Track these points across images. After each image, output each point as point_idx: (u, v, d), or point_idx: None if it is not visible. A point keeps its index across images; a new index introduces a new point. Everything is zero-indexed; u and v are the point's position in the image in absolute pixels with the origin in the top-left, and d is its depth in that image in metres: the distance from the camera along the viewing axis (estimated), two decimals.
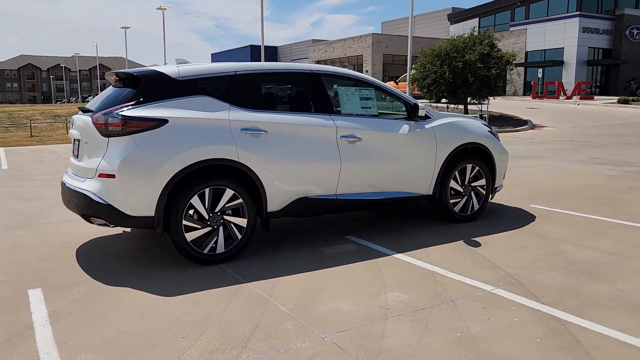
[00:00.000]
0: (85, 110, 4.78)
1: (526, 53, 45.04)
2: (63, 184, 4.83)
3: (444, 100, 24.00)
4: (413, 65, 24.34)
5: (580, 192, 7.89)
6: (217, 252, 4.67)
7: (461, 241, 5.35)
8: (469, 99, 23.18)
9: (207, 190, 4.55)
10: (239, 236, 4.75)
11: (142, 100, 4.49)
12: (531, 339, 3.24)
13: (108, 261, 4.82)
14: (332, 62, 52.28)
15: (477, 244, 5.25)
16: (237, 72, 4.90)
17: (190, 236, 4.53)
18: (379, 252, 5.01)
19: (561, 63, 42.37)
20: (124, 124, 4.32)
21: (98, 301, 3.90)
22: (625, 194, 7.76)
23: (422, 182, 5.75)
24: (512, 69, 25.90)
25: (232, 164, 4.62)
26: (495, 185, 6.38)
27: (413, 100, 5.74)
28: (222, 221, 4.66)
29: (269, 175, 4.79)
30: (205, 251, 4.62)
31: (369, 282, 4.23)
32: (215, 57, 73.85)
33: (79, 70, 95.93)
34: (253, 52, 65.25)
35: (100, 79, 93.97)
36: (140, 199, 4.35)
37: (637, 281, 4.18)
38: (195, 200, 4.51)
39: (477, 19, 49.45)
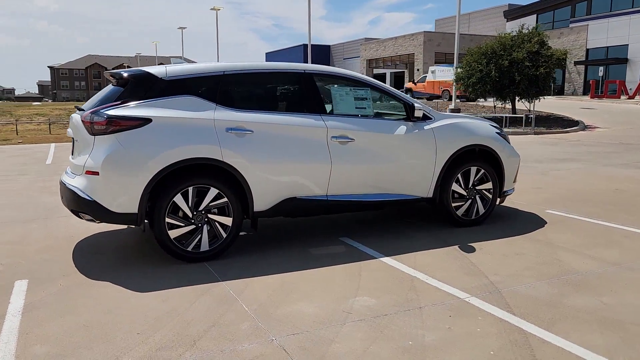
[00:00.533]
0: (81, 109, 4.95)
1: (587, 50, 43.16)
2: (61, 182, 5.03)
3: (490, 99, 23.36)
4: (458, 64, 23.78)
5: (607, 198, 7.48)
6: (201, 250, 4.73)
7: (456, 246, 5.19)
8: (517, 99, 22.44)
9: (190, 189, 4.61)
10: (224, 235, 4.80)
11: (129, 99, 4.61)
12: (485, 352, 3.10)
13: (101, 256, 4.98)
14: (383, 60, 51.91)
15: (472, 249, 5.08)
16: (225, 72, 4.94)
17: (173, 233, 4.61)
18: (366, 255, 4.93)
19: (625, 61, 40.32)
20: (108, 123, 4.45)
21: (75, 294, 4.03)
22: None
23: (421, 185, 5.61)
24: (565, 67, 24.82)
25: (216, 163, 4.67)
26: (505, 189, 6.14)
27: (411, 101, 5.60)
28: (206, 219, 4.72)
29: (255, 174, 4.81)
30: (189, 249, 4.69)
31: (342, 286, 4.17)
32: (269, 57, 74.81)
33: None
34: (306, 51, 65.68)
35: None
36: (124, 196, 4.46)
37: (625, 295, 3.93)
38: (178, 199, 4.59)
39: (535, 15, 47.79)
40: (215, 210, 4.76)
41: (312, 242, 5.37)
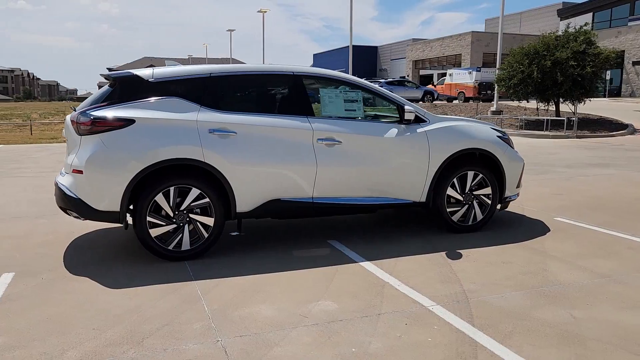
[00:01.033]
0: (75, 109, 5.13)
1: None
2: (55, 181, 5.22)
3: (533, 101, 22.63)
4: (499, 65, 23.16)
5: (627, 207, 7.12)
6: (182, 249, 4.81)
7: (444, 252, 5.06)
8: (561, 101, 21.65)
9: (172, 189, 4.70)
10: (206, 235, 4.86)
11: (115, 100, 4.74)
12: None
13: (91, 251, 5.14)
14: (430, 61, 51.20)
15: (458, 256, 4.94)
16: (211, 74, 5.00)
17: (154, 232, 4.71)
18: (347, 259, 4.88)
19: None
20: (92, 123, 4.59)
21: (52, 288, 4.18)
22: None
23: (413, 189, 5.50)
24: (623, 67, 23.63)
25: (197, 164, 4.73)
26: (506, 195, 5.94)
27: (403, 103, 5.50)
28: (188, 219, 4.79)
29: (238, 176, 4.85)
30: (170, 247, 4.78)
31: (310, 289, 4.14)
32: (316, 58, 75.10)
33: None
34: (353, 52, 65.48)
35: None
36: (106, 194, 4.59)
37: (600, 309, 3.72)
38: (159, 198, 4.68)
39: (591, 13, 45.85)
40: (198, 210, 4.83)
41: (299, 244, 5.36)
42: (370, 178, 5.32)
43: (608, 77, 38.07)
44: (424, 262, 4.80)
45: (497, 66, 23.76)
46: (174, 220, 4.76)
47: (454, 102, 32.22)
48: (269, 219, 5.52)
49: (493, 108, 24.47)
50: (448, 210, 5.67)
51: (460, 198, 5.70)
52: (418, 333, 3.38)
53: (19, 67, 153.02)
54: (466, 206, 5.74)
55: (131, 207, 4.82)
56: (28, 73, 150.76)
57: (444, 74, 53.04)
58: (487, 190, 5.79)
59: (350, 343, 3.25)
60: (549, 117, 20.43)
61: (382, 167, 5.34)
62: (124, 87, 4.82)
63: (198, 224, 4.83)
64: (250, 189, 4.92)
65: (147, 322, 3.55)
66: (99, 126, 4.60)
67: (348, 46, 65.69)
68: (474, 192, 5.75)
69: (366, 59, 65.32)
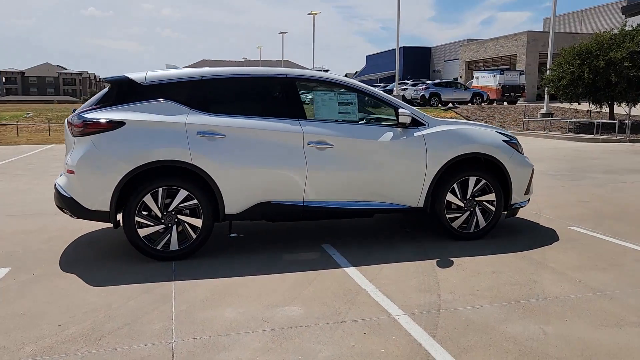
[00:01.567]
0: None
1: None
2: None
3: (584, 103, 21.64)
4: (549, 66, 22.29)
5: None
6: (170, 249, 4.88)
7: (435, 260, 4.90)
8: (615, 103, 20.61)
9: (160, 190, 4.78)
10: (194, 236, 4.91)
11: (109, 103, 4.88)
12: None
13: (89, 249, 5.31)
14: (483, 62, 49.92)
15: (449, 264, 4.78)
16: (203, 77, 5.06)
17: (143, 232, 4.80)
18: (334, 264, 4.81)
19: None
20: (84, 125, 4.74)
21: (37, 284, 4.34)
22: None
23: (409, 194, 5.36)
24: None
25: (184, 165, 4.79)
26: (512, 202, 5.69)
27: (398, 106, 5.37)
28: (176, 220, 4.86)
29: (225, 178, 4.87)
30: (158, 247, 4.86)
31: (283, 293, 4.11)
32: (369, 59, 74.77)
33: None
34: (405, 53, 64.83)
35: None
36: (97, 194, 4.72)
37: (576, 325, 3.50)
38: (148, 199, 4.77)
39: None
40: (187, 211, 4.89)
41: (292, 247, 5.34)
42: (364, 182, 5.22)
43: None
44: (410, 269, 4.67)
45: (548, 67, 22.88)
46: (163, 220, 4.84)
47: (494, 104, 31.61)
48: (240, 221, 5.51)
49: (543, 110, 23.58)
50: (448, 216, 5.49)
51: (462, 204, 5.51)
52: (373, 343, 3.28)
53: (87, 70, 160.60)
54: (468, 213, 5.55)
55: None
56: (95, 76, 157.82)
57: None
58: (491, 197, 5.57)
59: (299, 350, 3.19)
60: (600, 120, 19.47)
61: (376, 171, 5.23)
62: (118, 90, 4.94)
63: (186, 225, 4.89)
64: (238, 191, 4.94)
65: (111, 321, 3.62)
66: (90, 128, 4.74)
67: (400, 47, 65.18)
68: (477, 198, 5.55)
69: (419, 60, 64.41)
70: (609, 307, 3.80)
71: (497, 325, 3.52)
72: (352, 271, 4.62)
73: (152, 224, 4.82)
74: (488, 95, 32.63)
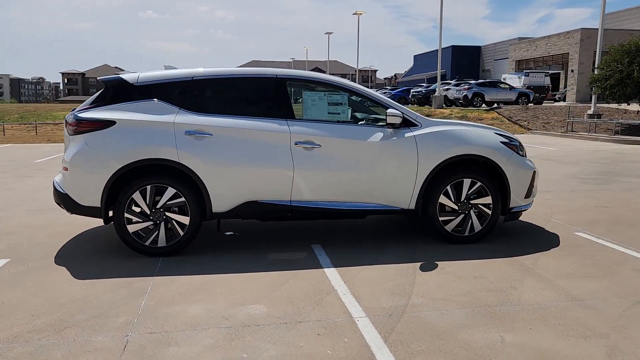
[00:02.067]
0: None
1: None
2: None
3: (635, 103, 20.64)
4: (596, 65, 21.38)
5: None
6: (158, 245, 5.00)
7: (420, 263, 4.82)
8: None
9: (148, 187, 4.91)
10: (181, 233, 5.02)
11: (103, 102, 5.05)
12: None
13: (87, 244, 5.51)
14: (534, 61, 48.42)
15: (432, 267, 4.69)
16: (194, 78, 5.16)
17: (132, 228, 4.95)
18: (316, 264, 4.81)
19: None
20: (77, 124, 4.93)
21: (29, 275, 4.55)
22: None
23: (400, 196, 5.29)
24: None
25: (172, 164, 4.91)
26: (512, 206, 5.52)
27: (389, 105, 5.30)
28: (164, 217, 4.98)
29: (212, 177, 4.95)
30: (147, 243, 4.99)
31: (255, 292, 4.14)
32: (417, 59, 73.85)
33: None
34: (454, 53, 63.77)
35: None
36: (88, 191, 4.91)
37: (540, 335, 3.36)
38: (137, 196, 4.91)
39: None
40: (176, 209, 5.00)
41: (281, 247, 5.37)
42: (353, 183, 5.19)
43: None
44: (391, 271, 4.61)
45: (596, 65, 21.96)
46: (151, 217, 4.97)
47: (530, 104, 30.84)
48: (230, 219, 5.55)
49: (590, 111, 22.65)
50: (441, 219, 5.38)
51: (455, 207, 5.39)
52: (323, 344, 3.27)
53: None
54: (462, 216, 5.42)
55: None
56: None
57: (552, 74, 50.14)
58: (487, 200, 5.42)
59: (246, 349, 3.22)
60: None
61: (365, 172, 5.19)
62: (112, 90, 5.11)
63: (174, 222, 5.00)
64: (225, 190, 5.01)
65: (81, 313, 3.76)
66: (83, 127, 4.92)
67: (448, 47, 64.24)
68: (472, 201, 5.41)
69: (468, 59, 63.14)
70: (582, 317, 3.63)
71: (456, 331, 3.43)
72: (331, 272, 4.60)
73: (140, 220, 4.96)
74: (535, 95, 31.78)
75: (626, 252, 5.17)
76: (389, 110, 5.17)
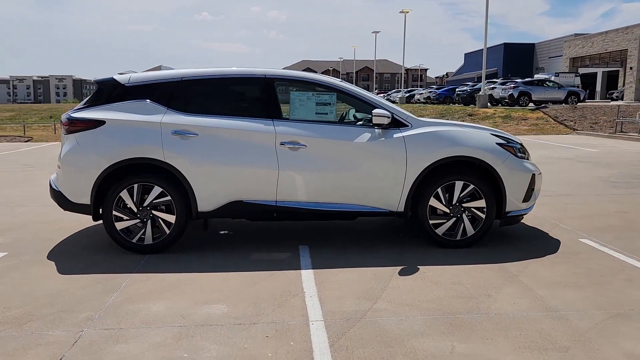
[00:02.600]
0: None
1: None
2: None
3: None
4: None
5: None
6: (145, 243, 5.10)
7: (401, 267, 4.71)
8: None
9: (135, 186, 5.01)
10: (167, 231, 5.10)
11: (95, 103, 5.20)
12: None
13: (84, 240, 5.68)
14: (589, 58, 46.48)
15: (411, 272, 4.57)
16: (183, 78, 5.23)
17: (119, 225, 5.07)
18: (295, 265, 4.78)
19: None
20: (70, 124, 5.09)
21: (18, 269, 4.73)
22: None
23: (388, 197, 5.18)
24: None
25: (158, 163, 4.99)
26: (509, 209, 5.30)
27: (377, 106, 5.19)
28: (151, 215, 5.08)
29: (197, 176, 5.01)
30: (134, 241, 5.10)
31: (223, 291, 4.16)
32: (468, 57, 72.27)
33: (347, 73, 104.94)
34: (506, 50, 62.09)
35: (362, 80, 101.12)
36: (79, 188, 5.06)
37: (495, 346, 3.21)
38: (124, 194, 5.02)
39: None
40: (163, 207, 5.08)
41: (270, 247, 5.37)
42: (338, 184, 5.12)
43: None
44: (368, 275, 4.52)
45: None
46: (138, 215, 5.07)
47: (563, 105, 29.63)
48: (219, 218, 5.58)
49: None
50: (431, 222, 5.23)
51: (447, 210, 5.23)
52: (267, 347, 3.24)
53: None
54: (453, 219, 5.25)
55: None
56: None
57: (609, 72, 47.94)
58: (481, 203, 5.23)
59: (190, 348, 3.23)
60: None
61: (352, 173, 5.11)
62: (105, 91, 5.25)
63: (160, 220, 5.08)
64: (210, 190, 5.05)
65: (49, 307, 3.87)
66: (75, 126, 5.08)
67: (500, 45, 62.61)
68: (464, 204, 5.23)
69: (521, 57, 61.29)
70: (547, 329, 3.44)
71: (408, 338, 3.33)
72: (307, 274, 4.56)
73: (127, 218, 5.07)
74: (586, 93, 30.60)
75: (626, 260, 4.87)
76: (375, 111, 5.07)
